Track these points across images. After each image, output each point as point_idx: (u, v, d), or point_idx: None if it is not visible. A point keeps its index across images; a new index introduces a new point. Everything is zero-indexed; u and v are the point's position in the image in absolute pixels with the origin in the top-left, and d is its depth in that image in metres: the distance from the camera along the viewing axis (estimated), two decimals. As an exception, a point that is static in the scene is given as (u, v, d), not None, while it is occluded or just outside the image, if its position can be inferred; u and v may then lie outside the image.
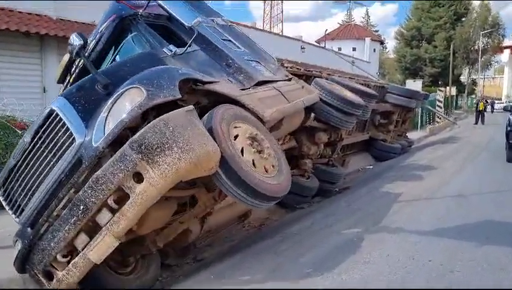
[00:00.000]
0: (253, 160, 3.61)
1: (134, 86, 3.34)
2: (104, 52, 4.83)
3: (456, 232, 4.94)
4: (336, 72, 22.01)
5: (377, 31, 69.46)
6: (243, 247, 5.74)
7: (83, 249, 3.32)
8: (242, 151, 3.60)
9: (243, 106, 4.26)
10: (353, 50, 34.97)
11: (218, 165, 3.33)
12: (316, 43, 28.00)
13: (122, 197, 3.18)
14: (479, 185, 7.30)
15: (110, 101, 3.31)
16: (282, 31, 48.67)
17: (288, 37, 23.27)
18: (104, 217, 3.22)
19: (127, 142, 3.07)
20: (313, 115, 6.82)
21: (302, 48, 22.06)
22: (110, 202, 3.14)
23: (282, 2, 57.07)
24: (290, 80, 6.26)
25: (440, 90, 29.00)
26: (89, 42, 4.92)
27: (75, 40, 3.62)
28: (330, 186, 8.65)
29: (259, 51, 6.56)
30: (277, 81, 5.84)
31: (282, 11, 57.02)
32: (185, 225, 4.18)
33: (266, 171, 3.69)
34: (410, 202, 6.26)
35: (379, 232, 4.92)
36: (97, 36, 4.79)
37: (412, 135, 19.66)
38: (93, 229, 3.30)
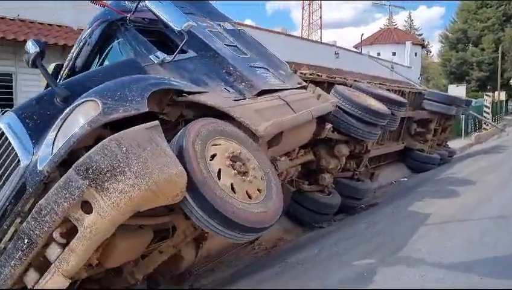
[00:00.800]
0: (232, 184, 3.06)
1: (91, 98, 2.89)
2: (89, 61, 4.45)
3: (490, 264, 4.17)
4: (373, 78, 21.15)
5: (420, 35, 67.15)
6: (246, 273, 5.20)
7: (33, 288, 2.88)
8: (219, 173, 3.07)
9: (233, 119, 3.74)
10: (393, 55, 33.68)
11: (184, 191, 2.81)
12: (353, 49, 27.07)
13: (71, 230, 2.71)
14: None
15: (61, 116, 2.87)
16: (320, 38, 47.91)
17: (322, 43, 22.55)
18: (53, 252, 2.77)
19: (73, 166, 2.61)
20: (329, 126, 6.19)
21: (336, 54, 21.30)
22: (56, 235, 2.69)
23: (321, 9, 56.53)
24: (303, 87, 5.68)
25: (487, 96, 27.34)
26: (73, 49, 4.59)
27: (30, 47, 3.23)
28: (355, 203, 7.96)
29: (270, 57, 6.04)
30: (286, 89, 5.29)
31: (320, 17, 56.37)
32: (164, 256, 3.68)
33: (249, 197, 3.13)
34: (439, 225, 5.50)
35: (396, 265, 4.23)
36: (80, 43, 4.42)
37: (455, 144, 18.47)
38: (44, 266, 2.86)
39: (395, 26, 56.57)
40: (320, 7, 56.50)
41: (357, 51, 24.93)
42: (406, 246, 4.73)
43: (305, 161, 6.54)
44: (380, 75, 25.66)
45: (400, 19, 68.53)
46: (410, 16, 67.65)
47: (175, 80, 3.89)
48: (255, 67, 5.33)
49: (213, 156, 3.13)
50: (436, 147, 13.65)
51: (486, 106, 26.55)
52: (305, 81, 7.14)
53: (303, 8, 58.06)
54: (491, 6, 45.52)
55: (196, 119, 3.34)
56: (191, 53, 4.79)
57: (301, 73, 7.37)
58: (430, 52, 69.23)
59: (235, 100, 4.20)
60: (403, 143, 12.41)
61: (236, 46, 5.55)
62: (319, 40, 22.46)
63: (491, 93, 28.24)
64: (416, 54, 35.99)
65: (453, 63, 46.00)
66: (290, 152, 5.69)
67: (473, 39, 46.12)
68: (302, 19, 57.98)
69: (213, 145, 3.20)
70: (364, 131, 6.66)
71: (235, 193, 3.05)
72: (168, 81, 3.59)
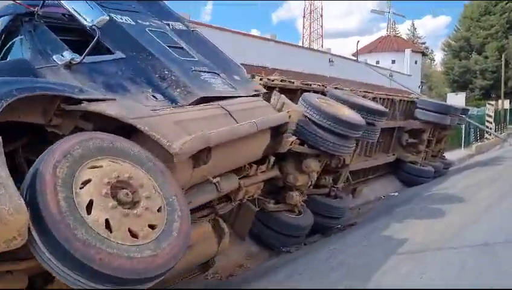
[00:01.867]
0: (107, 219, 2.34)
1: None
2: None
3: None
4: (368, 86, 20.45)
5: (423, 43, 66.48)
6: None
7: None
8: (90, 205, 2.34)
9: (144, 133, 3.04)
10: (392, 63, 32.91)
11: (25, 233, 2.09)
12: (349, 56, 26.36)
13: None
14: (516, 229, 5.59)
15: None
16: (322, 46, 47.43)
17: (316, 50, 21.86)
18: None
19: None
20: (291, 138, 5.45)
21: (330, 61, 20.59)
22: None
23: (322, 18, 56.15)
24: (257, 95, 4.98)
25: (490, 104, 26.48)
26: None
27: None
28: (331, 223, 7.20)
29: (225, 61, 5.39)
30: (235, 97, 4.60)
31: (322, 25, 55.93)
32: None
33: (135, 237, 2.41)
34: (414, 254, 4.73)
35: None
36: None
37: (455, 154, 17.66)
38: None
39: (399, 35, 55.95)
40: (321, 16, 56.38)
41: (353, 58, 24.24)
42: (369, 282, 3.98)
43: (268, 178, 5.82)
44: (378, 83, 24.97)
45: (404, 28, 67.69)
46: (414, 25, 67.00)
47: (76, 85, 3.21)
48: (201, 71, 4.67)
49: (86, 183, 2.40)
50: (430, 159, 12.88)
51: (488, 115, 25.69)
52: (272, 88, 6.49)
53: (304, 17, 57.90)
54: (494, 14, 44.84)
55: (70, 135, 2.63)
56: (118, 54, 4.15)
57: (269, 79, 6.69)
58: (434, 60, 68.47)
59: (155, 109, 3.50)
60: (394, 155, 11.65)
61: (182, 48, 4.90)
62: (317, 48, 21.74)
63: (493, 102, 27.39)
64: (416, 62, 35.18)
65: (455, 71, 45.30)
66: (244, 169, 4.96)
67: (476, 47, 45.40)
68: (303, 27, 57.75)
69: (90, 168, 2.48)
70: (335, 144, 5.93)
71: (111, 231, 2.33)
72: (52, 86, 2.89)
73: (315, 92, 7.43)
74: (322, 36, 55.47)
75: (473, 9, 46.33)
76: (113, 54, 4.12)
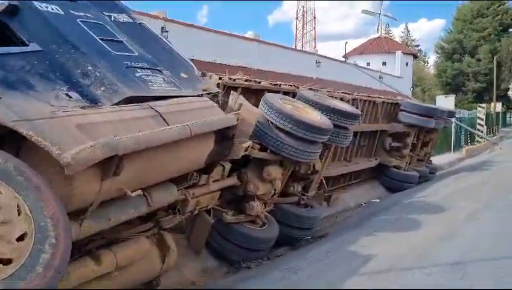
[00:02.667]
0: None
1: None
2: None
3: None
4: (356, 88, 19.97)
5: (417, 46, 66.23)
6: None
7: None
8: None
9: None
10: (383, 64, 32.38)
11: None
12: (338, 58, 25.85)
13: None
14: (494, 245, 5.01)
15: None
16: (314, 48, 47.03)
17: (302, 51, 21.32)
18: None
19: None
20: (247, 143, 4.91)
21: (317, 63, 20.06)
22: None
23: (315, 19, 55.77)
24: (199, 95, 4.45)
25: (481, 107, 26.09)
26: None
27: None
28: (301, 234, 6.67)
29: (171, 58, 4.85)
30: (175, 96, 4.07)
31: (314, 28, 55.52)
32: None
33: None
34: (377, 275, 4.18)
35: None
36: None
37: (444, 158, 17.23)
38: None
39: (392, 36, 55.56)
40: (314, 18, 56.00)
41: (340, 60, 23.71)
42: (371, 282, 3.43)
43: (223, 187, 5.29)
44: (367, 85, 24.47)
45: (398, 31, 67.44)
46: (407, 27, 66.71)
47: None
48: (138, 68, 4.14)
49: None
50: (416, 163, 12.37)
51: (479, 118, 25.29)
52: (235, 88, 5.95)
53: (296, 18, 57.50)
54: (487, 16, 44.64)
55: None
56: (33, 46, 3.60)
57: (230, 78, 6.15)
58: (427, 63, 68.21)
59: (57, 111, 2.95)
60: (376, 159, 11.14)
61: (121, 41, 4.37)
62: (305, 50, 21.18)
63: (484, 105, 26.96)
64: (407, 64, 34.73)
65: (448, 74, 45.04)
66: (191, 178, 4.42)
67: (468, 49, 45.19)
68: (296, 28, 57.36)
69: None
70: (298, 149, 5.38)
71: None
72: None
73: (285, 93, 6.92)
74: (315, 38, 55.17)
75: (466, 11, 46.10)
76: (27, 45, 3.59)
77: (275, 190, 5.82)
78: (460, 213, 6.60)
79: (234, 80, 6.06)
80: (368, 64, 32.24)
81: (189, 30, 14.24)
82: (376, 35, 38.79)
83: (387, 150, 11.45)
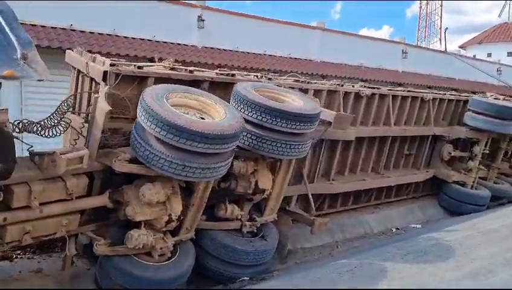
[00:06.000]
0: None
1: None
2: None
3: None
4: (458, 83, 16.82)
5: None
6: None
7: None
8: None
9: None
10: (508, 55, 27.11)
11: None
12: (441, 48, 21.93)
13: None
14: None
15: None
16: (440, 40, 42.57)
17: (384, 40, 18.38)
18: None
19: None
20: (81, 152, 3.47)
21: (403, 53, 17.11)
22: None
23: (441, 8, 50.20)
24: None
25: None
26: None
27: None
28: (235, 272, 5.04)
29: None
30: None
31: (441, 17, 49.91)
32: None
33: None
34: None
35: None
36: None
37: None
38: None
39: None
40: (441, 6, 50.38)
41: (440, 50, 20.02)
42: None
43: (84, 208, 4.00)
44: (486, 80, 20.54)
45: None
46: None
47: None
48: None
49: None
50: (494, 178, 9.48)
51: None
52: (145, 78, 4.53)
53: (420, 7, 52.35)
54: None
55: None
56: None
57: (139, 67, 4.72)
58: None
59: None
60: (428, 172, 8.66)
61: None
62: (392, 39, 18.38)
63: None
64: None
65: None
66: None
67: None
68: (419, 18, 52.24)
69: None
70: (174, 163, 3.76)
71: None
72: None
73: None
74: (440, 28, 49.52)
75: None
76: None
77: (170, 215, 4.26)
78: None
79: (140, 68, 4.59)
80: (489, 55, 27.40)
81: (232, 18, 12.97)
82: (501, 22, 32.72)
83: (445, 160, 8.87)
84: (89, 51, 9.40)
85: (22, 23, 3.71)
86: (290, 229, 5.74)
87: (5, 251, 5.09)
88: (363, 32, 57.01)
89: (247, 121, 4.58)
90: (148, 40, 11.24)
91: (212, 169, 3.95)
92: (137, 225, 4.25)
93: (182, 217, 4.44)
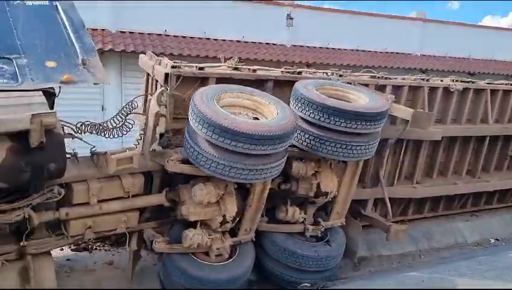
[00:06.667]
0: None
1: None
2: None
3: None
4: None
5: None
6: None
7: None
8: None
9: None
10: None
11: None
12: None
13: None
14: None
15: None
16: None
17: (492, 27, 16.30)
18: None
19: None
20: (128, 153, 3.61)
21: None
22: None
23: None
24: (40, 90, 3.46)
25: None
26: None
27: None
28: (298, 277, 4.88)
29: (58, 44, 3.97)
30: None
31: None
32: None
33: None
34: None
35: None
36: None
37: None
38: None
39: None
40: None
41: None
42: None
43: (143, 206, 4.20)
44: None
45: None
46: None
47: None
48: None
49: None
50: None
51: None
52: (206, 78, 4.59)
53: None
54: None
55: None
56: None
57: (193, 66, 4.79)
58: None
59: None
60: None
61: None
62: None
63: None
64: None
65: None
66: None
67: None
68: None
69: None
70: (221, 164, 3.70)
71: None
72: None
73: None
74: None
75: None
76: None
77: (224, 216, 4.25)
78: None
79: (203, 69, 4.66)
80: None
81: (322, 14, 12.62)
82: None
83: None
84: (177, 54, 9.91)
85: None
86: (359, 234, 5.38)
87: (86, 242, 5.57)
88: (487, 20, 51.60)
89: (305, 120, 4.40)
90: (237, 41, 11.46)
91: (261, 170, 3.84)
92: (193, 224, 4.31)
93: (237, 218, 4.40)
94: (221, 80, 4.71)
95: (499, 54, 15.10)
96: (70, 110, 6.98)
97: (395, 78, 6.05)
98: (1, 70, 3.50)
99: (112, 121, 4.24)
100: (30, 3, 4.30)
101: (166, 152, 4.25)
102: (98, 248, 5.46)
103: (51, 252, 4.04)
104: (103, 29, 10.34)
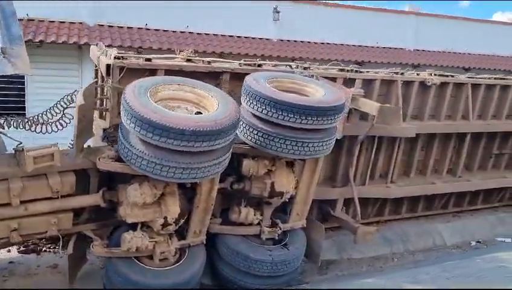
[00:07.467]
0: None
1: None
2: None
3: None
4: None
5: None
6: None
7: None
8: None
9: None
10: None
11: None
12: None
13: None
14: None
15: None
16: None
17: (490, 21, 15.83)
18: None
19: None
20: (50, 149, 3.30)
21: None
22: None
23: None
24: None
25: None
26: None
27: None
28: (250, 282, 4.58)
29: None
30: None
31: None
32: None
33: None
34: None
35: None
36: None
37: None
38: None
39: None
40: None
41: None
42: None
43: (77, 207, 3.90)
44: None
45: None
46: None
47: None
48: None
49: None
50: None
51: None
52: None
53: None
54: None
55: None
56: None
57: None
58: None
59: None
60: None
61: None
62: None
63: None
64: None
65: None
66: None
67: None
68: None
69: None
70: (157, 164, 3.39)
71: None
72: None
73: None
74: None
75: None
76: None
77: (166, 217, 3.94)
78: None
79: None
80: None
81: (309, 8, 12.25)
82: None
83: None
84: (156, 49, 9.58)
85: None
86: (322, 236, 5.04)
87: (35, 244, 5.29)
88: (496, 16, 50.58)
89: (254, 115, 4.09)
90: (222, 35, 11.13)
91: (197, 169, 3.52)
92: (134, 226, 4.02)
93: (182, 220, 4.09)
94: (171, 72, 4.40)
95: (498, 49, 14.63)
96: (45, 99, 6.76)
97: (367, 72, 5.72)
98: None
99: (45, 114, 3.95)
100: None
101: (100, 149, 3.95)
102: (48, 250, 5.18)
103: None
104: (81, 23, 10.07)
